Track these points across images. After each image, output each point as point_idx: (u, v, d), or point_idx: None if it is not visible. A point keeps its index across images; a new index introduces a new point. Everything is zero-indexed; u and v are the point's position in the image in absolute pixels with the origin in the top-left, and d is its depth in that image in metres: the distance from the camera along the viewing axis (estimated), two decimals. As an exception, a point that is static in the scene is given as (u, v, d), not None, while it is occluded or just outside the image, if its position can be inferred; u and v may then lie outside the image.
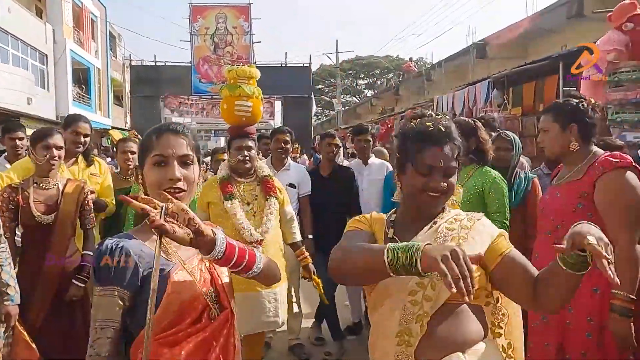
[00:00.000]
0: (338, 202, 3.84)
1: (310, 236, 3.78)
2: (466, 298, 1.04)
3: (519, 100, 7.30)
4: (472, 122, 2.90)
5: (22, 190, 2.65)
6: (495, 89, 7.56)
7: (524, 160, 3.71)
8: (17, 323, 2.31)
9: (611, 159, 2.06)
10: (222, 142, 29.63)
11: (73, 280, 2.68)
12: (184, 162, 1.31)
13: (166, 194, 1.22)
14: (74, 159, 3.33)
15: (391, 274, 1.19)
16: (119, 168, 3.97)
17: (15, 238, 2.69)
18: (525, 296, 1.33)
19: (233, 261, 1.23)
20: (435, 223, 1.42)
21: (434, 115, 1.47)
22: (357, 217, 1.57)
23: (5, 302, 2.25)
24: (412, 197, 1.43)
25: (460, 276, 1.04)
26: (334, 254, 1.39)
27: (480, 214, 1.47)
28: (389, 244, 1.22)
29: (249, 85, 3.23)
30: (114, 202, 3.40)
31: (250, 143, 3.06)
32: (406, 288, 1.33)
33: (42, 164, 2.68)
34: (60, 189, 2.75)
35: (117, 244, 1.23)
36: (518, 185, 3.06)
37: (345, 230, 1.53)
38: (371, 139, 4.52)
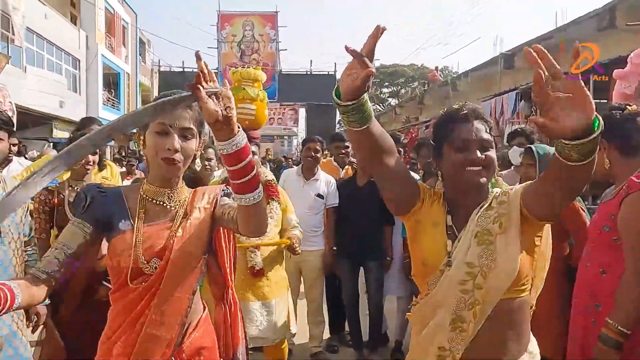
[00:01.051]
0: (373, 213, 3.73)
1: (334, 248, 3.78)
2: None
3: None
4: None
5: (58, 192, 2.73)
6: (523, 100, 7.46)
7: None
8: (49, 322, 2.37)
9: (635, 179, 1.82)
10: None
11: (103, 282, 2.74)
12: (185, 135, 1.36)
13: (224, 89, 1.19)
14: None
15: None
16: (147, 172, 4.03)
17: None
18: (545, 202, 1.31)
19: (243, 163, 1.19)
20: (482, 207, 1.40)
21: (459, 103, 1.52)
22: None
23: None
24: (454, 178, 1.42)
25: None
26: None
27: (513, 186, 1.47)
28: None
29: (253, 87, 3.14)
30: None
31: (253, 148, 2.95)
32: (457, 277, 1.36)
33: (77, 167, 2.77)
34: None
35: (101, 189, 1.41)
36: None
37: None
38: (401, 149, 4.49)
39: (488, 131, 1.43)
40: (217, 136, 1.18)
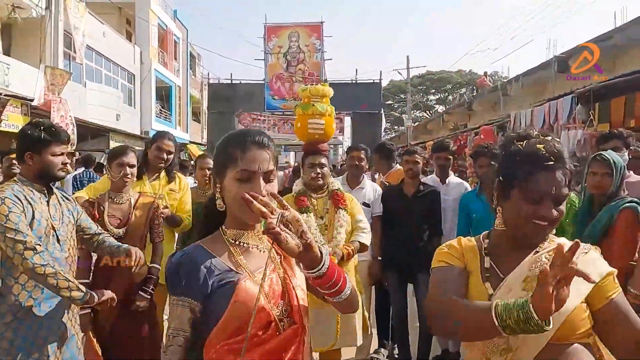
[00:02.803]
0: (420, 223, 3.70)
1: (380, 258, 3.71)
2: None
3: (607, 116, 6.79)
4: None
5: (98, 204, 2.84)
6: (579, 104, 7.10)
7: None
8: (88, 332, 2.44)
9: None
10: (291, 157, 30.28)
11: (140, 292, 2.80)
12: (268, 178, 1.27)
13: (282, 199, 1.20)
14: (156, 174, 3.45)
15: (504, 333, 1.12)
16: (196, 183, 4.12)
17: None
18: (623, 352, 1.21)
19: (331, 282, 1.20)
20: (537, 252, 1.30)
21: (542, 136, 1.33)
22: (445, 248, 1.42)
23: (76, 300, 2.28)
24: (516, 226, 1.31)
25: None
26: (432, 306, 1.31)
27: (588, 246, 1.32)
28: (496, 301, 1.14)
29: (322, 103, 3.29)
30: (190, 218, 3.51)
31: (323, 160, 3.12)
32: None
33: (117, 180, 2.86)
34: (132, 203, 2.91)
35: (187, 256, 1.27)
36: (600, 216, 2.68)
37: (433, 265, 1.41)
38: (452, 157, 4.33)
39: (569, 179, 1.28)
40: (304, 266, 1.17)
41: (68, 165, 2.33)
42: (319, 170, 3.07)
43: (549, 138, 1.32)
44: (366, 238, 3.21)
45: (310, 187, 3.13)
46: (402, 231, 3.66)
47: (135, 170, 2.95)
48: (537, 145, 1.29)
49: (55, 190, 2.37)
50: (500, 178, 1.34)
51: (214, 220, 1.35)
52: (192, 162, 5.28)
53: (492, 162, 3.50)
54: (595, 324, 1.26)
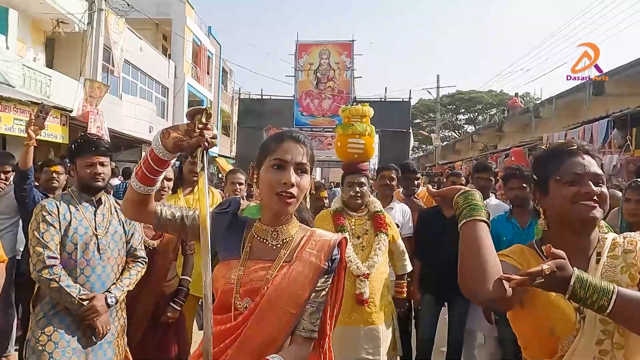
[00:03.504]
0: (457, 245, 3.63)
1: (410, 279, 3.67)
2: None
3: (644, 141, 6.61)
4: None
5: None
6: (615, 129, 6.94)
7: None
8: (123, 340, 2.48)
9: None
10: (318, 172, 30.33)
11: (170, 303, 2.84)
12: (300, 169, 1.37)
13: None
14: (190, 188, 3.52)
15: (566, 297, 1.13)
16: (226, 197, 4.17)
17: None
18: None
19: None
20: (599, 255, 1.29)
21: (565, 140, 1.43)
22: (505, 251, 1.41)
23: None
24: (564, 214, 1.30)
25: None
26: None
27: (636, 234, 1.34)
28: (576, 271, 1.12)
29: (362, 123, 3.33)
30: None
31: (363, 179, 3.13)
32: (593, 337, 1.21)
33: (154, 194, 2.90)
34: None
35: (238, 207, 1.51)
36: None
37: None
38: (493, 178, 4.18)
39: (600, 166, 1.32)
40: None
41: (103, 175, 2.37)
42: (358, 189, 3.08)
43: (574, 138, 1.38)
44: (410, 265, 3.29)
45: (348, 206, 3.14)
46: (440, 253, 3.60)
47: (171, 184, 3.01)
48: (561, 142, 1.40)
49: (109, 200, 2.47)
50: (535, 177, 1.40)
51: None
52: (220, 176, 5.28)
53: (524, 185, 3.44)
54: None
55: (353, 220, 3.09)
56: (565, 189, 1.29)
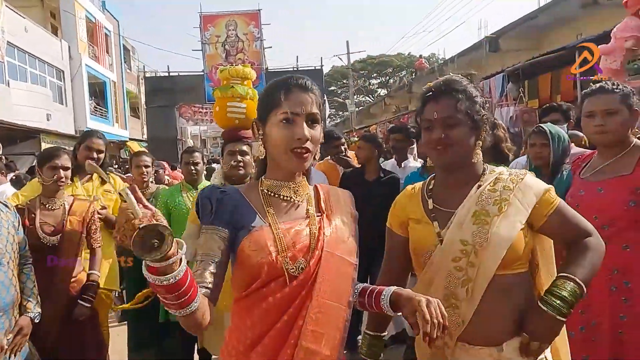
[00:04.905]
0: (380, 210, 3.59)
1: None
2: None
3: (535, 93, 7.19)
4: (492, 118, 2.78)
5: (28, 211, 2.64)
6: (510, 82, 7.46)
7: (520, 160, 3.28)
8: (31, 346, 2.32)
9: None
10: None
11: (79, 300, 2.67)
12: (312, 120, 1.25)
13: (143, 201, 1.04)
14: (88, 176, 3.30)
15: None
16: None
17: None
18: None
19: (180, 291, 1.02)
20: (479, 187, 1.42)
21: (445, 76, 1.51)
22: (392, 209, 1.61)
23: (26, 314, 2.27)
24: (430, 159, 1.48)
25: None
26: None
27: (524, 171, 1.46)
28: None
29: (242, 85, 3.01)
30: None
31: (245, 147, 2.82)
32: (449, 254, 1.38)
33: (49, 184, 2.67)
34: (67, 208, 2.73)
35: (221, 190, 1.27)
36: (558, 184, 2.70)
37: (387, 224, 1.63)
38: (408, 138, 4.18)
39: (467, 105, 1.39)
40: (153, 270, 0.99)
41: None
42: (239, 158, 2.75)
43: (450, 75, 1.50)
44: None
45: (230, 179, 2.80)
46: (363, 221, 3.62)
47: (69, 173, 2.77)
48: (429, 83, 1.49)
49: None
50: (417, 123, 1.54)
51: (263, 170, 1.34)
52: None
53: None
54: (545, 235, 1.45)
55: None
56: (423, 135, 1.45)
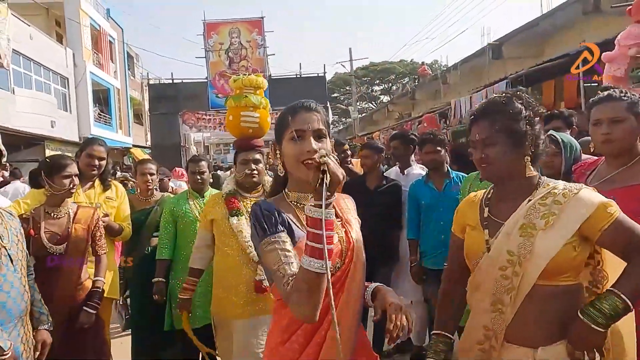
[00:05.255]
0: (382, 218, 3.53)
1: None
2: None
3: (539, 99, 7.20)
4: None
5: (33, 221, 2.62)
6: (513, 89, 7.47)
7: None
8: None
9: None
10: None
11: (84, 307, 2.65)
12: (319, 135, 1.42)
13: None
14: (90, 183, 3.29)
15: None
16: (138, 189, 3.88)
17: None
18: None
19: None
20: (529, 201, 1.48)
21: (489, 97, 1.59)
22: (455, 216, 1.72)
23: (43, 327, 2.28)
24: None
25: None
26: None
27: (580, 185, 1.49)
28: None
29: (255, 95, 3.05)
30: (130, 226, 3.37)
31: (258, 156, 2.88)
32: (497, 263, 1.47)
33: (62, 193, 2.67)
34: (71, 216, 2.73)
35: (264, 203, 1.44)
36: None
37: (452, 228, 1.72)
38: (409, 145, 4.09)
39: (501, 125, 1.47)
40: (332, 195, 1.23)
41: None
42: (253, 167, 2.82)
43: (496, 95, 1.58)
44: None
45: (243, 187, 2.87)
46: (365, 226, 3.63)
47: (77, 180, 2.79)
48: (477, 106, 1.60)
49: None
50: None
51: (280, 185, 1.54)
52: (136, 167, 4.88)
53: (438, 149, 3.55)
54: (606, 249, 1.48)
55: (249, 203, 2.81)
56: (472, 153, 1.55)
